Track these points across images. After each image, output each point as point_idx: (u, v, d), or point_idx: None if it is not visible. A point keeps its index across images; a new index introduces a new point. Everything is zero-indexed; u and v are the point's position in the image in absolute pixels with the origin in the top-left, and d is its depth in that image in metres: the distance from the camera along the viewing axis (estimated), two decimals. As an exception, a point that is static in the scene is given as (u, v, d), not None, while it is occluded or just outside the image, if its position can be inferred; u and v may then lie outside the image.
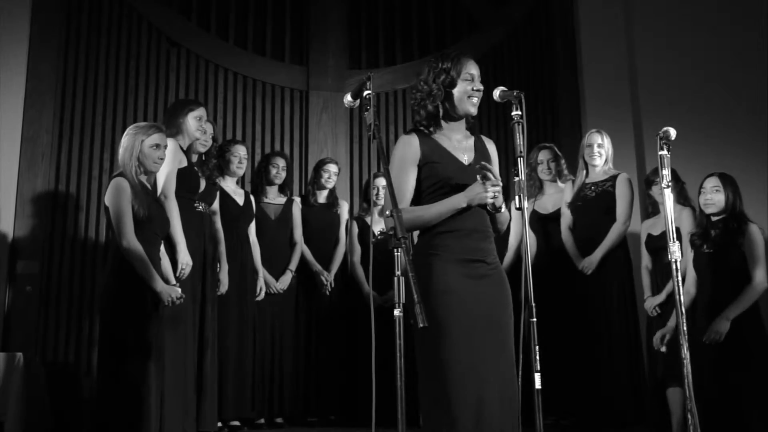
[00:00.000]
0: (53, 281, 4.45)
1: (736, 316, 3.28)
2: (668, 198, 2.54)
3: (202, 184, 3.72)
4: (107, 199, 3.04)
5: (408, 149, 2.29)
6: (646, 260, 4.00)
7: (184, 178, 3.53)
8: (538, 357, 2.06)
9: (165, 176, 3.38)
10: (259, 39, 5.18)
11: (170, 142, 3.35)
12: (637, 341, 3.90)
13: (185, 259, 3.37)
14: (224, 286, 3.81)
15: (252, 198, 4.23)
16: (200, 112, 3.68)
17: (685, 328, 2.47)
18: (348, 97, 2.22)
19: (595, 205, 3.97)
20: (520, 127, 2.21)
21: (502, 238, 4.21)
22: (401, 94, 5.25)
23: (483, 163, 2.23)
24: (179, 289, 3.08)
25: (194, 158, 3.74)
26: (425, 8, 5.51)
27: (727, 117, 5.29)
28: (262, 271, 4.14)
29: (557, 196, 4.19)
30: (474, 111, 2.34)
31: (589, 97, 5.34)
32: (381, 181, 4.24)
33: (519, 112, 2.22)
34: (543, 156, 4.25)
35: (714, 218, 3.46)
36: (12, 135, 4.43)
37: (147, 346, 2.95)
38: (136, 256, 2.95)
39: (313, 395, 4.25)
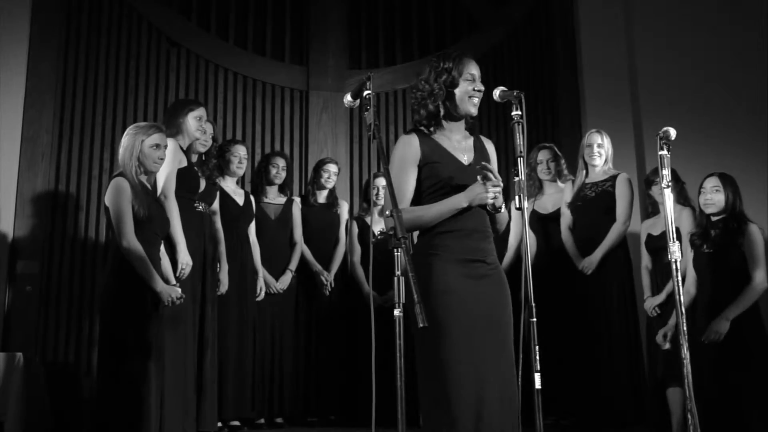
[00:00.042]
0: (53, 281, 4.45)
1: (736, 316, 3.28)
2: (668, 198, 2.54)
3: (202, 184, 3.72)
4: (107, 199, 3.04)
5: (408, 149, 2.29)
6: (646, 260, 3.99)
7: (184, 178, 3.53)
8: (538, 357, 2.06)
9: (165, 176, 3.38)
10: (259, 39, 5.18)
11: (170, 142, 3.35)
12: (637, 341, 3.90)
13: (185, 259, 3.37)
14: (224, 286, 3.81)
15: (252, 198, 4.23)
16: (200, 112, 3.68)
17: (685, 328, 2.47)
18: (348, 97, 2.22)
19: (595, 205, 3.97)
20: (520, 127, 2.21)
21: (502, 238, 4.21)
22: (401, 94, 5.25)
23: (484, 163, 2.23)
24: (179, 289, 3.08)
25: (194, 158, 3.74)
26: (425, 8, 5.51)
27: (727, 117, 5.29)
28: (262, 271, 4.14)
29: (557, 196, 4.19)
30: (475, 111, 2.35)
31: (589, 97, 5.34)
32: (381, 181, 4.24)
33: (519, 112, 2.22)
34: (542, 156, 4.25)
35: (714, 218, 3.46)
36: (12, 135, 4.43)
37: (147, 346, 2.96)
38: (136, 256, 2.95)
39: (313, 395, 4.25)
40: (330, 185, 4.48)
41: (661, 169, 2.57)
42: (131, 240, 2.96)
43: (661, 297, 3.79)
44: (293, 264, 4.30)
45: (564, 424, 3.93)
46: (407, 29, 5.45)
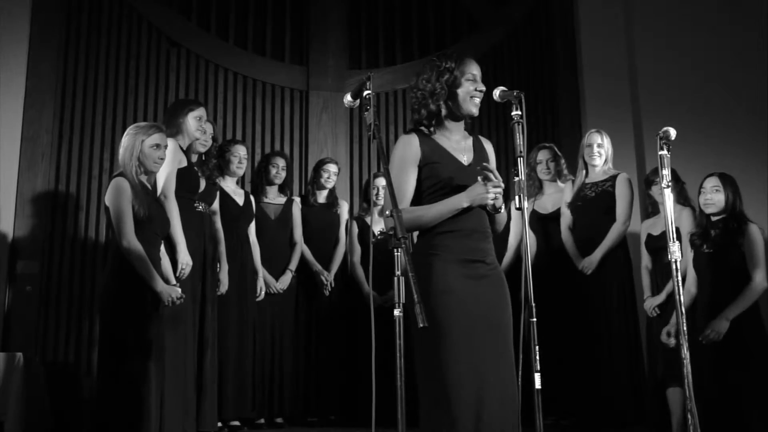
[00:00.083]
0: (53, 281, 4.45)
1: (736, 316, 3.28)
2: (668, 198, 2.54)
3: (202, 184, 3.72)
4: (107, 199, 3.04)
5: (408, 149, 2.29)
6: (646, 260, 3.99)
7: (184, 178, 3.53)
8: (538, 357, 2.06)
9: (165, 176, 3.38)
10: (259, 39, 5.18)
11: (170, 142, 3.35)
12: (637, 341, 3.90)
13: (185, 259, 3.37)
14: (224, 286, 3.81)
15: (252, 198, 4.23)
16: (200, 112, 3.68)
17: (685, 328, 2.47)
18: (348, 97, 2.22)
19: (594, 205, 3.97)
20: (520, 127, 2.21)
21: (502, 238, 4.21)
22: (401, 94, 5.25)
23: (484, 164, 2.23)
24: (179, 289, 3.08)
25: (194, 158, 3.74)
26: (425, 8, 5.51)
27: (727, 117, 5.29)
28: (261, 271, 4.14)
29: (557, 196, 4.19)
30: (476, 111, 2.34)
31: (589, 97, 5.34)
32: (381, 181, 4.24)
33: (519, 112, 2.22)
34: (542, 156, 4.25)
35: (714, 218, 3.46)
36: (12, 135, 4.43)
37: (147, 346, 2.96)
38: (136, 255, 2.95)
39: (313, 395, 4.25)
40: (330, 185, 4.48)
41: (661, 169, 2.57)
42: (131, 240, 2.96)
43: (661, 297, 3.79)
44: (293, 264, 4.30)
45: (564, 424, 3.93)
46: (407, 29, 5.45)
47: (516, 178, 2.17)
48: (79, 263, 4.53)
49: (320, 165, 4.50)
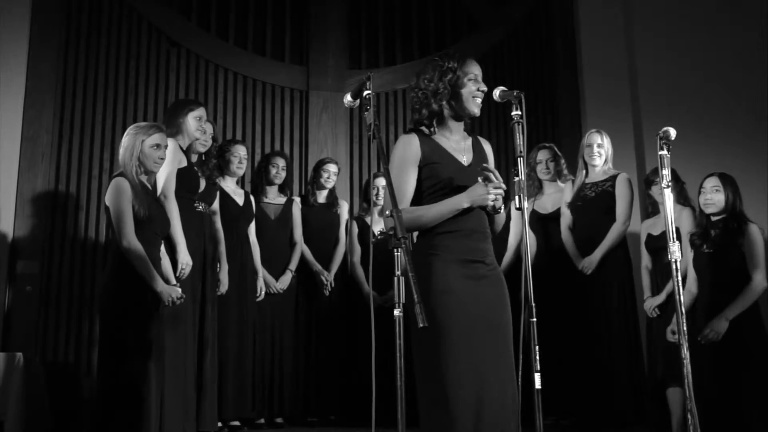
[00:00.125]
0: (53, 281, 4.45)
1: (736, 316, 3.28)
2: (668, 198, 2.54)
3: (202, 184, 3.72)
4: (108, 199, 3.04)
5: (408, 149, 2.29)
6: (646, 260, 3.99)
7: (184, 178, 3.53)
8: (538, 357, 2.06)
9: (165, 176, 3.38)
10: (259, 39, 5.18)
11: (170, 142, 3.35)
12: (637, 341, 3.90)
13: (185, 259, 3.37)
14: (224, 286, 3.81)
15: (252, 198, 4.23)
16: (200, 112, 3.68)
17: (685, 328, 2.47)
18: (348, 97, 2.22)
19: (594, 205, 3.97)
20: (520, 127, 2.20)
21: (502, 238, 4.21)
22: (401, 94, 5.25)
23: (485, 165, 2.23)
24: (179, 289, 3.08)
25: (194, 158, 3.74)
26: (425, 8, 5.51)
27: (727, 117, 5.29)
28: (261, 271, 4.14)
29: (557, 196, 4.19)
30: (478, 111, 2.34)
31: (589, 97, 5.34)
32: (381, 181, 4.24)
33: (519, 112, 2.21)
34: (542, 156, 4.25)
35: (714, 218, 3.46)
36: (12, 135, 4.43)
37: (147, 346, 2.96)
38: (136, 255, 2.95)
39: (313, 395, 4.25)
40: (330, 185, 4.48)
41: (661, 169, 2.57)
42: (131, 240, 2.96)
43: (661, 297, 3.79)
44: (293, 264, 4.30)
45: (564, 424, 3.93)
46: (407, 29, 5.45)
47: (516, 178, 2.16)
48: (79, 263, 4.53)
49: (320, 165, 4.50)
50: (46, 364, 4.17)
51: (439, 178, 2.26)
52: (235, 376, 3.86)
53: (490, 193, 2.17)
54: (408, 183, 2.27)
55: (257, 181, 4.43)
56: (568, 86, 5.43)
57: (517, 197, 2.14)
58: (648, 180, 4.07)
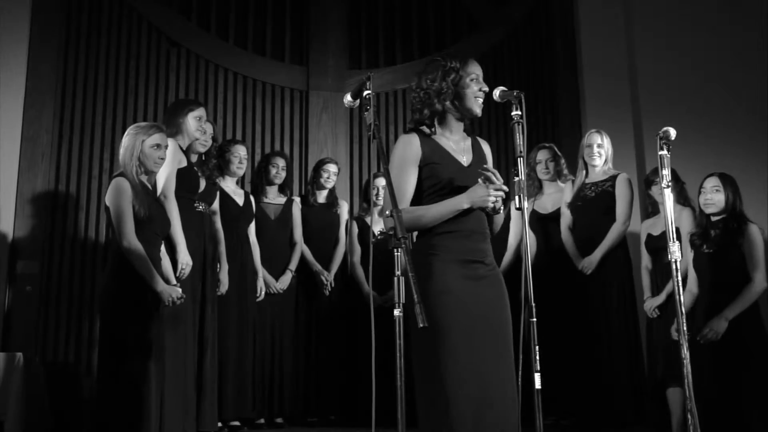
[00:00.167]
0: (53, 281, 4.45)
1: (736, 316, 3.28)
2: (668, 198, 2.54)
3: (202, 184, 3.72)
4: (108, 199, 3.04)
5: (409, 149, 2.29)
6: (646, 260, 3.99)
7: (184, 178, 3.53)
8: (538, 357, 2.06)
9: (165, 176, 3.38)
10: (259, 39, 5.18)
11: (170, 142, 3.35)
12: (637, 341, 3.90)
13: (185, 259, 3.38)
14: (224, 286, 3.81)
15: (252, 198, 4.23)
16: (200, 112, 3.68)
17: (685, 328, 2.47)
18: (348, 97, 2.22)
19: (594, 205, 3.97)
20: (520, 127, 2.21)
21: (502, 238, 4.22)
22: (401, 94, 5.25)
23: (486, 166, 2.24)
24: (180, 289, 3.08)
25: (194, 158, 3.74)
26: (425, 8, 5.51)
27: (727, 117, 5.29)
28: (261, 272, 4.14)
29: (557, 196, 4.18)
30: (480, 112, 2.34)
31: (589, 97, 5.34)
32: (381, 181, 4.24)
33: (519, 112, 2.22)
34: (542, 156, 4.25)
35: (714, 218, 3.46)
36: (12, 135, 4.43)
37: (147, 346, 2.96)
38: (136, 255, 2.95)
39: (313, 395, 4.25)
40: (330, 185, 4.48)
41: (661, 169, 2.57)
42: (132, 240, 2.96)
43: (661, 298, 3.79)
44: (293, 264, 4.30)
45: (564, 424, 3.93)
46: (407, 29, 5.45)
47: (516, 178, 2.16)
48: (79, 263, 4.53)
49: (320, 165, 4.50)
50: (46, 364, 4.17)
51: (439, 178, 2.26)
52: (235, 376, 3.86)
53: (491, 195, 2.18)
54: (408, 183, 2.27)
55: (257, 181, 4.43)
56: (568, 86, 5.43)
57: (517, 197, 2.14)
58: (648, 180, 4.07)
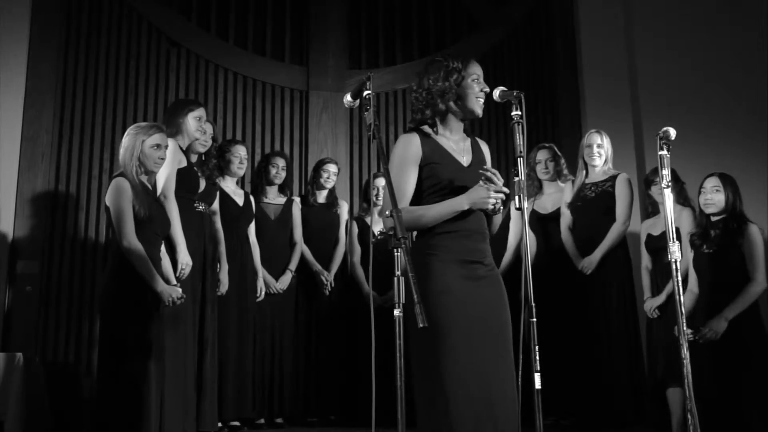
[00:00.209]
0: (53, 281, 4.45)
1: (736, 316, 3.28)
2: (668, 198, 2.54)
3: (202, 184, 3.72)
4: (108, 199, 3.04)
5: (409, 149, 2.28)
6: (646, 260, 3.99)
7: (184, 178, 3.53)
8: (538, 357, 2.06)
9: (165, 176, 3.38)
10: (259, 39, 5.18)
11: (170, 142, 3.35)
12: (637, 341, 3.90)
13: (185, 259, 3.37)
14: (224, 286, 3.81)
15: (252, 198, 4.23)
16: (200, 112, 3.68)
17: (685, 328, 2.47)
18: (348, 97, 2.22)
19: (594, 206, 3.97)
20: (520, 127, 2.21)
21: (502, 237, 4.21)
22: (401, 94, 5.25)
23: (486, 167, 2.24)
24: (180, 290, 3.08)
25: (194, 158, 3.74)
26: (425, 8, 5.51)
27: (727, 117, 5.29)
28: (261, 272, 4.14)
29: (557, 196, 4.18)
30: (481, 112, 2.35)
31: (589, 97, 5.34)
32: (381, 181, 4.24)
33: (519, 112, 2.22)
34: (541, 156, 4.25)
35: (714, 218, 3.46)
36: (12, 135, 4.43)
37: (147, 346, 2.96)
38: (136, 255, 2.95)
39: (313, 395, 4.25)
40: (330, 185, 4.48)
41: (661, 169, 2.57)
42: (132, 240, 2.96)
43: (661, 298, 3.79)
44: (293, 264, 4.30)
45: (564, 424, 3.93)
46: (407, 29, 5.45)
47: (516, 178, 2.17)
48: (79, 263, 4.53)
49: (320, 165, 4.50)
50: (46, 364, 4.17)
51: (439, 178, 2.26)
52: (235, 376, 3.86)
53: (491, 197, 2.18)
54: (408, 182, 2.27)
55: (257, 181, 4.43)
56: (568, 86, 5.43)
57: (517, 197, 2.15)
58: (648, 180, 4.07)
